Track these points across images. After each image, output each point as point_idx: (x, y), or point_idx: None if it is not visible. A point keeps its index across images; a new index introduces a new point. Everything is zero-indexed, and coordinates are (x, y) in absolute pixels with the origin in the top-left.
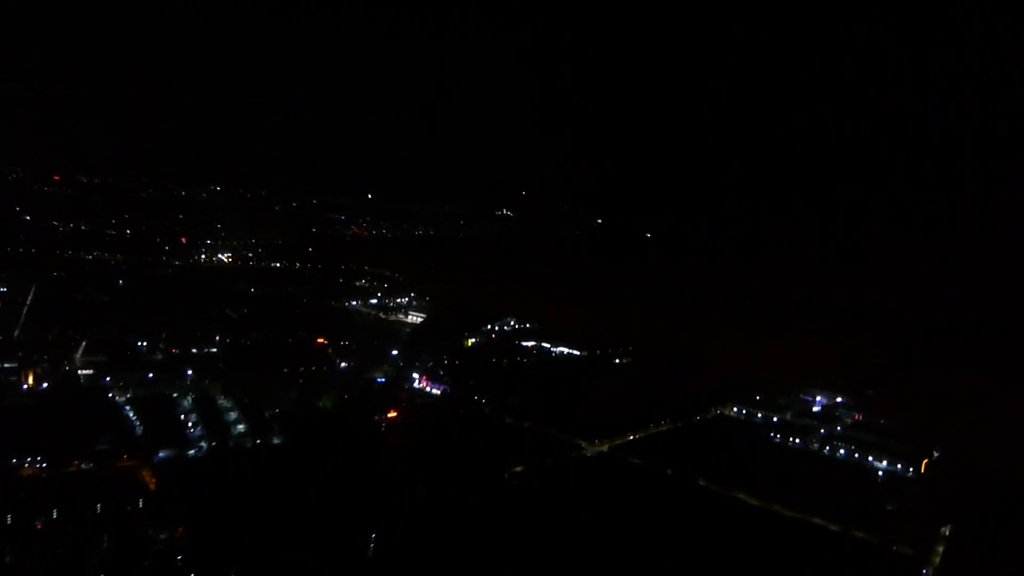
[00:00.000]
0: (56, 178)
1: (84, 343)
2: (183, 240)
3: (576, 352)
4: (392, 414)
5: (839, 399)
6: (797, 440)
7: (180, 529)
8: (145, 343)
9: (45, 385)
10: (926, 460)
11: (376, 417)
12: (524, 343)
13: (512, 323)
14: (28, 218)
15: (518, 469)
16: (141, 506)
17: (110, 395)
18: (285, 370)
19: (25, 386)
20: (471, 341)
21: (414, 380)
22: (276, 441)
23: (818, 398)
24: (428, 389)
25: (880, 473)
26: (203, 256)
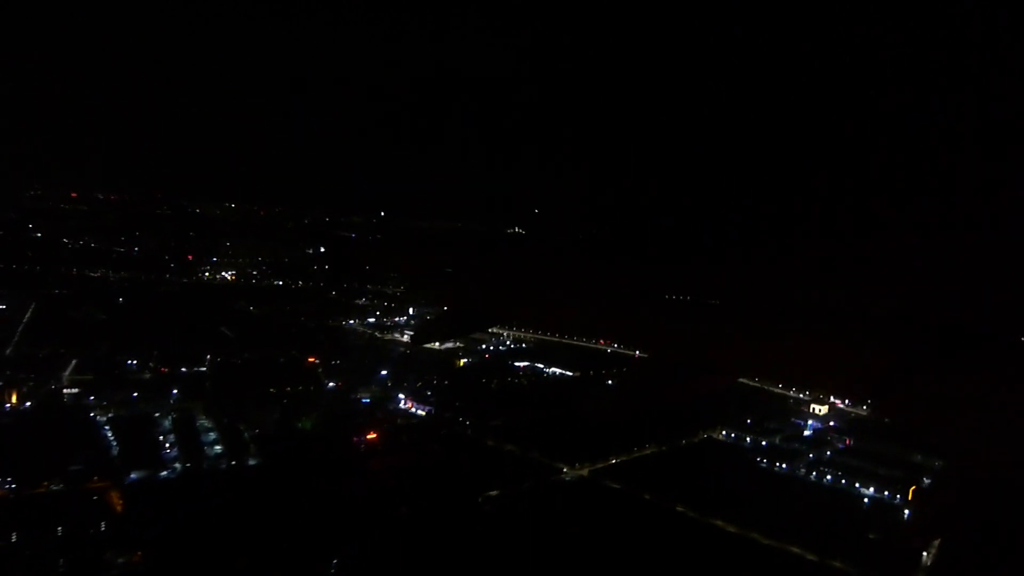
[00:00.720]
0: (74, 195)
1: (74, 362)
2: (189, 257)
3: (569, 373)
4: (372, 435)
5: (832, 423)
6: (784, 465)
7: (138, 553)
8: (135, 362)
9: (28, 404)
10: (913, 488)
11: (355, 438)
12: (517, 363)
13: (508, 342)
14: (39, 235)
15: (493, 493)
16: (103, 529)
17: (92, 414)
18: (272, 390)
19: (8, 405)
20: (463, 361)
21: (400, 400)
22: (252, 462)
23: (810, 422)
24: (413, 410)
25: (866, 500)
26: (207, 274)
